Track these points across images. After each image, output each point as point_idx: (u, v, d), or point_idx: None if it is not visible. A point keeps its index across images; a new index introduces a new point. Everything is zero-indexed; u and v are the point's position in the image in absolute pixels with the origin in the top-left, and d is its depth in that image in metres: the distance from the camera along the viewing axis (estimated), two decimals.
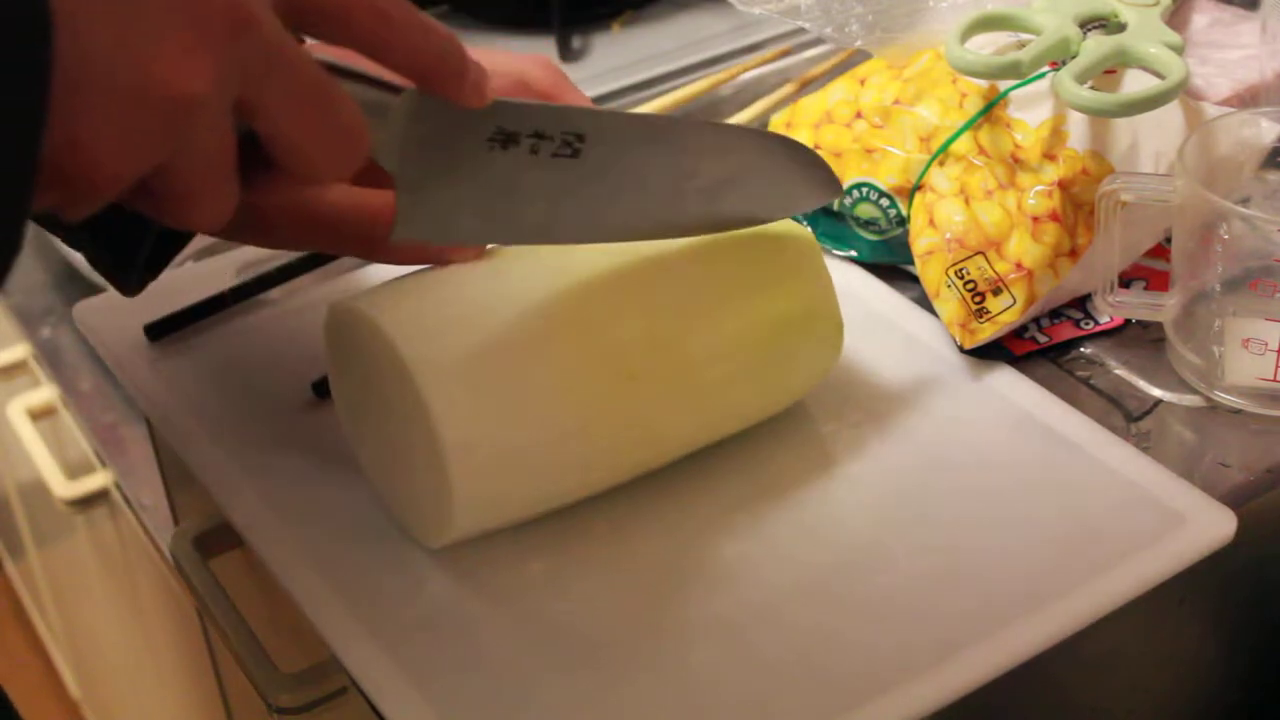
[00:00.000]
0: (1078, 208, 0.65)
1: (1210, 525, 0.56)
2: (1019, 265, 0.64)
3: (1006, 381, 0.63)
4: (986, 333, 0.64)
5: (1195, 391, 0.64)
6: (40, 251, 1.04)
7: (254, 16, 0.39)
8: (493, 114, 0.49)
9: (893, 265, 0.71)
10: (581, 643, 0.53)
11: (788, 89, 0.86)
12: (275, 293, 0.72)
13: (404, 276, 0.55)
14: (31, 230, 0.59)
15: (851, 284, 0.70)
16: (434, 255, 0.55)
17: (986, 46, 0.68)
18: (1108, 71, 0.67)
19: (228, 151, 0.40)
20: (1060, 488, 0.58)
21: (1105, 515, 0.57)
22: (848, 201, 0.71)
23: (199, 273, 0.73)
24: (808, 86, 0.85)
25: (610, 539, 0.57)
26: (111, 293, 0.71)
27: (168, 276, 0.61)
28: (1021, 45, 0.67)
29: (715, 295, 0.57)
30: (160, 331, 0.69)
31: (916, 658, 0.51)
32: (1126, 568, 0.54)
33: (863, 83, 0.72)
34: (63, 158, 0.35)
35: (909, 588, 0.54)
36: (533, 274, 0.54)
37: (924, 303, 0.67)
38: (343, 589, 0.55)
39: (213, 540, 0.65)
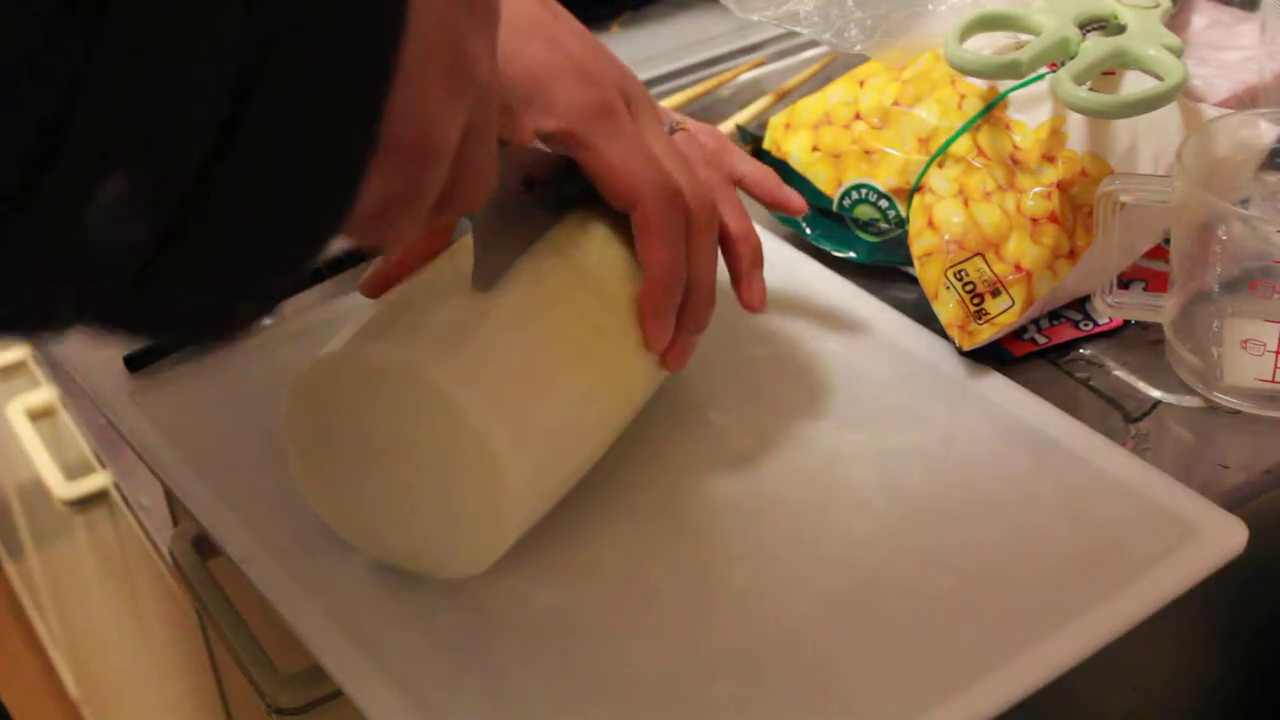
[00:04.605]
0: (1076, 209, 0.66)
1: (1222, 536, 0.55)
2: (1018, 267, 0.64)
3: (1003, 391, 0.63)
4: (985, 334, 0.64)
5: (1194, 392, 0.64)
6: None
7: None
8: (526, 159, 0.56)
9: (891, 266, 0.71)
10: (595, 676, 0.52)
11: (784, 88, 0.86)
12: None
13: (370, 317, 0.54)
14: None
15: (843, 298, 0.69)
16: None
17: (986, 47, 0.68)
18: (1107, 73, 0.67)
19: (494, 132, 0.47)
20: (1068, 500, 0.58)
21: (1116, 529, 0.56)
22: (846, 203, 0.71)
23: None
24: (805, 86, 0.85)
25: (618, 570, 0.56)
26: None
27: None
28: (1020, 46, 0.67)
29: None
30: (140, 363, 0.68)
31: (935, 684, 0.51)
32: (1143, 584, 0.54)
33: (862, 84, 0.72)
34: (404, 126, 0.40)
35: (925, 611, 0.54)
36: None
37: (923, 305, 0.67)
38: (350, 627, 0.54)
39: (211, 541, 0.65)
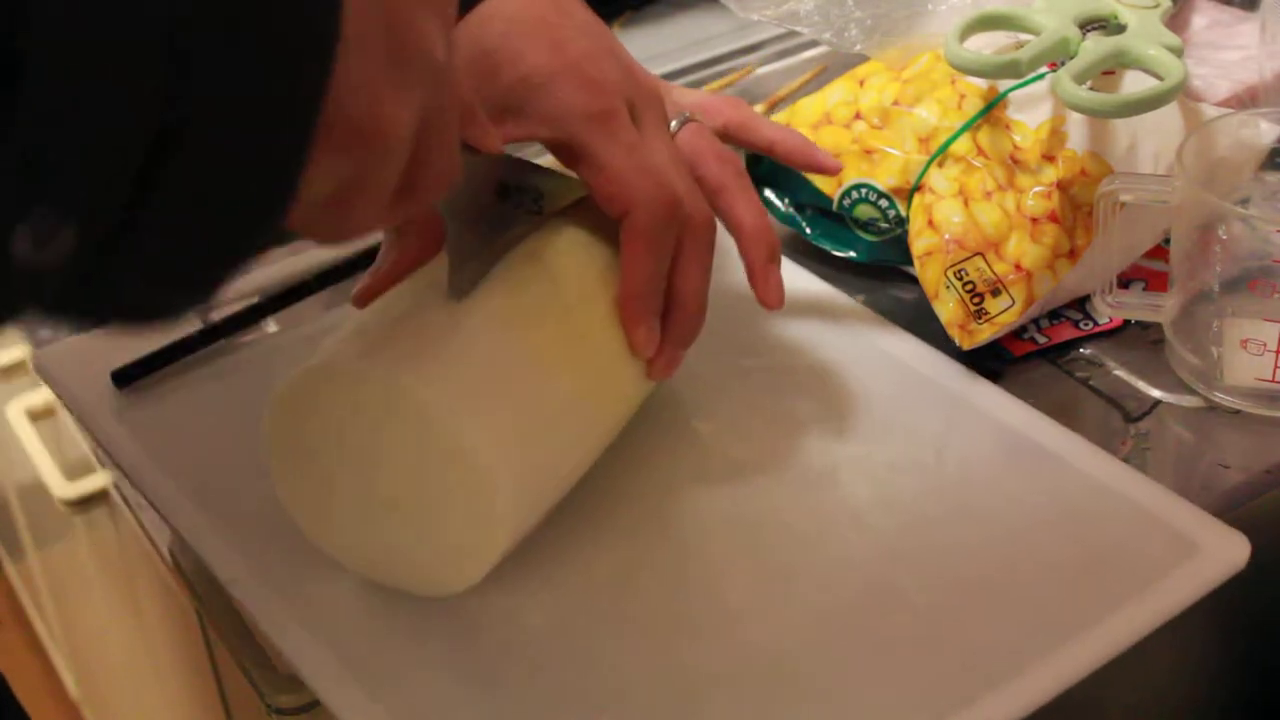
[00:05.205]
0: (1076, 209, 0.66)
1: (1224, 551, 0.55)
2: (1018, 266, 0.64)
3: (999, 403, 0.62)
4: (985, 334, 0.64)
5: (1194, 392, 0.64)
6: None
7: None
8: (498, 167, 0.54)
9: (891, 266, 0.71)
10: (586, 694, 0.51)
11: (778, 94, 0.86)
12: (246, 335, 0.70)
13: (348, 330, 0.53)
14: None
15: (835, 309, 0.69)
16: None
17: (986, 47, 0.68)
18: (1107, 73, 0.67)
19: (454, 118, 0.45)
20: (1066, 514, 0.57)
21: (1116, 544, 0.55)
22: (846, 202, 0.71)
23: None
24: (807, 86, 0.86)
25: (610, 586, 0.55)
26: (74, 339, 0.68)
27: None
28: (1020, 46, 0.67)
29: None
30: (128, 378, 0.66)
31: (930, 700, 0.50)
32: (1143, 601, 0.53)
33: (862, 84, 0.72)
34: (348, 106, 0.39)
35: (920, 627, 0.53)
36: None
37: (923, 304, 0.67)
38: (338, 648, 0.54)
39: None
